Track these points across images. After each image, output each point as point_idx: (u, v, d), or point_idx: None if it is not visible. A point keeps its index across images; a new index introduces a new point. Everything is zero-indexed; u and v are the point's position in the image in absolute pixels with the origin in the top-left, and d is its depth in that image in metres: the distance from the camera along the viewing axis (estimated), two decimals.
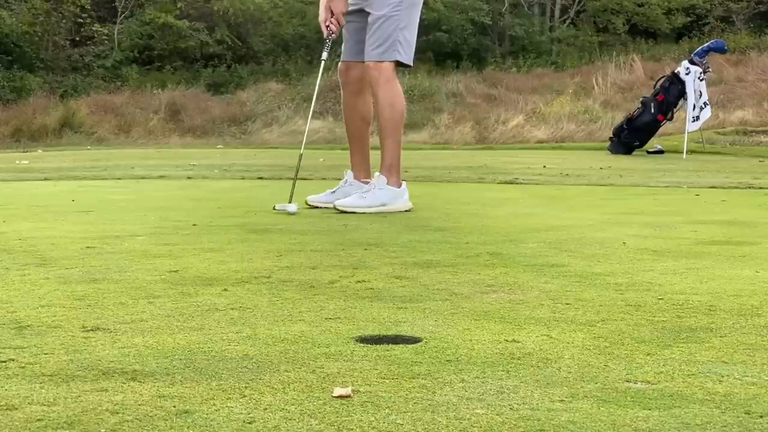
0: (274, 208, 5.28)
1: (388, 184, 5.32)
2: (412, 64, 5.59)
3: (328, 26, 5.46)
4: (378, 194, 5.29)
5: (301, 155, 5.71)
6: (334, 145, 15.46)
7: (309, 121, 6.41)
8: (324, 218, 4.97)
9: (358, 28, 5.47)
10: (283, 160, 11.25)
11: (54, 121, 19.12)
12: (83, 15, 24.34)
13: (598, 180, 8.28)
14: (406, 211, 5.30)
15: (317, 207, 5.42)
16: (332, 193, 5.50)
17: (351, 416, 1.68)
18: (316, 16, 5.64)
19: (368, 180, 5.50)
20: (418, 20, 5.49)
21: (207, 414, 1.69)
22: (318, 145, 15.77)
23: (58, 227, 4.49)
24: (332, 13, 5.45)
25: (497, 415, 1.69)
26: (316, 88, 5.96)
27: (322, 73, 6.03)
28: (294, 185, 5.48)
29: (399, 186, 5.36)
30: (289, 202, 5.30)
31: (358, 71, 5.50)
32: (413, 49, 5.51)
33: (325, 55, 5.62)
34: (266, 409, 1.72)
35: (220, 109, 21.07)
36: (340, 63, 5.67)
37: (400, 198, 5.34)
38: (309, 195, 5.55)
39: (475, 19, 26.11)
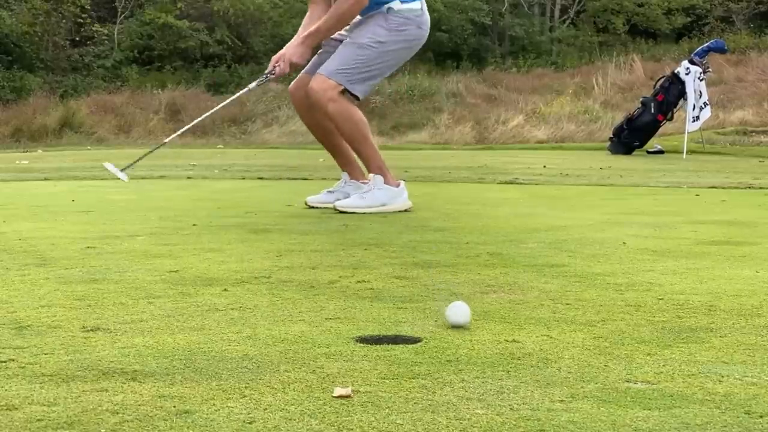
0: (104, 166, 5.35)
1: (385, 183, 5.31)
2: (360, 98, 5.33)
3: (276, 65, 5.26)
4: (377, 194, 5.28)
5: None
6: None
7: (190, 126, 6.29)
8: (324, 218, 4.97)
9: (330, 53, 5.36)
10: (283, 160, 11.26)
11: (54, 121, 19.11)
12: (83, 15, 24.33)
13: (598, 180, 8.28)
14: (406, 210, 5.30)
15: (317, 207, 5.43)
16: (331, 193, 5.50)
17: (351, 416, 1.68)
18: None
19: (366, 180, 5.47)
20: (391, 64, 5.32)
21: (207, 414, 1.69)
22: (317, 146, 15.75)
23: (58, 227, 4.49)
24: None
25: (497, 415, 1.69)
26: (227, 101, 5.96)
27: (237, 96, 5.91)
28: (144, 156, 5.56)
29: (397, 185, 5.35)
30: (123, 170, 5.31)
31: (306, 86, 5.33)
32: (370, 86, 5.34)
33: (253, 85, 5.47)
34: (266, 409, 1.72)
35: (220, 109, 21.05)
36: (291, 84, 5.50)
37: (399, 197, 5.34)
38: (308, 196, 5.55)
39: (475, 19, 26.12)
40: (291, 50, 5.26)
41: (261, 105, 21.19)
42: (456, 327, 2.36)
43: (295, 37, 5.40)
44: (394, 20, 5.25)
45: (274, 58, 5.33)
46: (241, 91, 5.71)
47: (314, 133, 5.67)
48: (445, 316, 2.38)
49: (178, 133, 6.09)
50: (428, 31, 5.42)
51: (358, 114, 5.25)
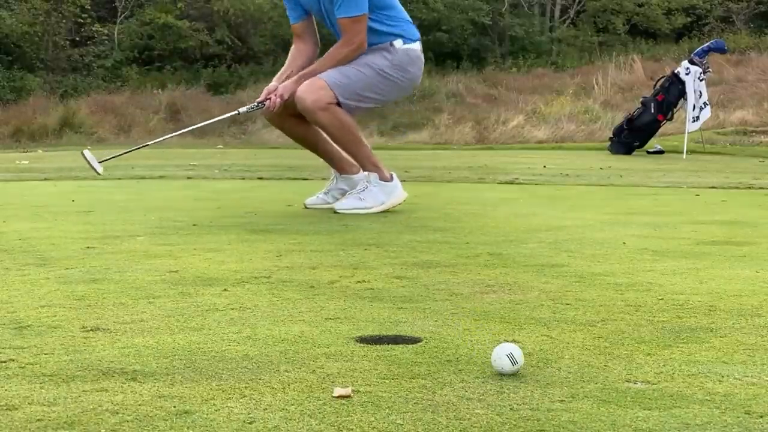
0: (83, 153, 5.32)
1: (380, 179, 5.31)
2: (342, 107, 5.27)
3: (269, 98, 5.21)
4: (376, 193, 5.28)
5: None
6: None
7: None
8: (324, 218, 4.97)
9: None
10: (283, 160, 11.26)
11: (54, 121, 19.12)
12: (83, 15, 24.35)
13: (598, 180, 8.28)
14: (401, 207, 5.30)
15: (316, 208, 5.44)
16: (326, 193, 5.52)
17: (351, 416, 1.68)
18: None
19: (355, 171, 5.45)
20: (384, 95, 5.33)
21: (207, 414, 1.69)
22: None
23: (58, 227, 4.49)
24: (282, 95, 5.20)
25: (497, 415, 1.69)
26: (224, 117, 5.97)
27: (230, 115, 5.87)
28: (127, 153, 5.71)
29: (390, 179, 5.36)
30: (99, 162, 5.29)
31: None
32: (357, 109, 5.30)
33: (243, 109, 5.43)
34: (266, 409, 1.72)
35: (220, 109, 21.00)
36: (270, 114, 5.38)
37: (395, 191, 5.36)
38: (307, 198, 5.56)
39: (475, 19, 26.12)
40: (284, 87, 5.23)
41: None
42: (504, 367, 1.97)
43: (282, 72, 5.38)
44: (397, 57, 5.31)
45: (268, 88, 5.29)
46: (232, 112, 5.70)
47: (304, 145, 5.67)
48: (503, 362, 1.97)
49: (168, 136, 6.28)
50: (421, 75, 5.52)
51: (347, 118, 5.26)
